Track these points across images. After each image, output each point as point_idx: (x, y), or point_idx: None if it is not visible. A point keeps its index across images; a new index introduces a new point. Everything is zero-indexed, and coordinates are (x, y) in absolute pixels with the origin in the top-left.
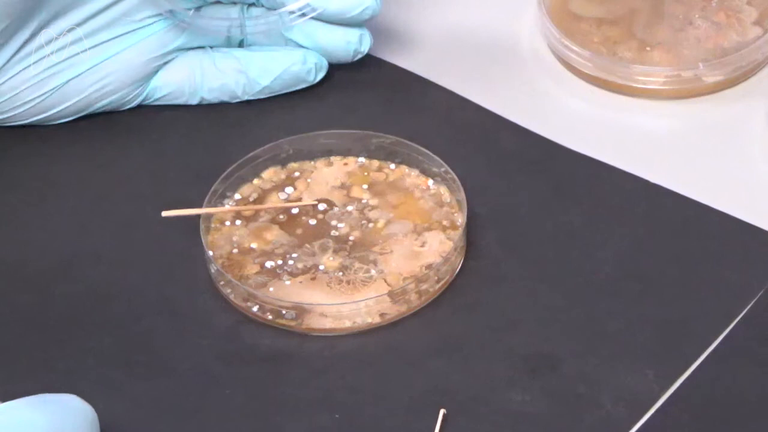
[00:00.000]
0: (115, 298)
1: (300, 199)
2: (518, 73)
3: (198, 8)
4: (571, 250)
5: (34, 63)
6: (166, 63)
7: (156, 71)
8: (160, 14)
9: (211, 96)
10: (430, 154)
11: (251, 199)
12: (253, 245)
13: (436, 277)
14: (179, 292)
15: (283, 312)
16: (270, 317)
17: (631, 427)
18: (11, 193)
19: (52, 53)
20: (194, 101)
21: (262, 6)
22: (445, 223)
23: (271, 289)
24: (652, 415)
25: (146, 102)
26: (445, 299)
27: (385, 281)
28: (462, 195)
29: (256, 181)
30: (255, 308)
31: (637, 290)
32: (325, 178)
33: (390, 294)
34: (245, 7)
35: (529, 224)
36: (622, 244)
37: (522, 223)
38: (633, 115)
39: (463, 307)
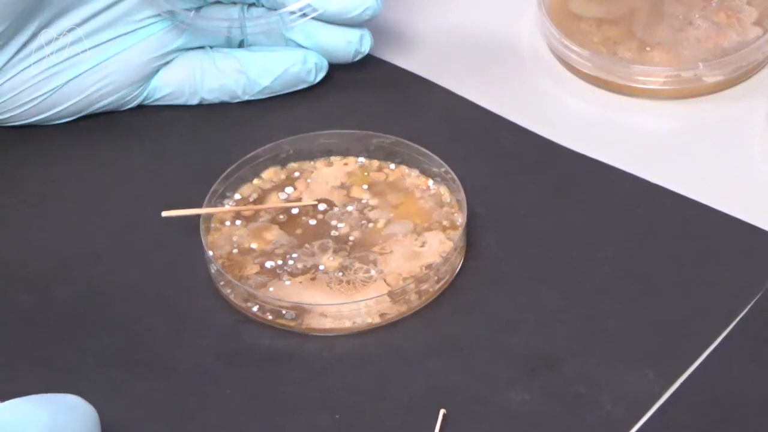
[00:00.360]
0: (115, 298)
1: (300, 199)
2: (518, 73)
3: (198, 8)
4: (571, 250)
5: (34, 63)
6: (166, 63)
7: (156, 71)
8: (160, 15)
9: (211, 96)
10: (430, 154)
11: (251, 199)
12: (253, 245)
13: (436, 277)
14: (179, 292)
15: (283, 312)
16: (270, 317)
17: (631, 427)
18: (11, 193)
19: (52, 53)
20: (194, 101)
21: (263, 6)
22: (445, 223)
23: (271, 289)
24: (652, 415)
25: (146, 102)
26: (445, 299)
27: (385, 281)
28: (462, 195)
29: (256, 181)
30: (255, 308)
31: (637, 290)
32: (325, 178)
33: (390, 294)
34: (245, 7)
35: (529, 224)
36: (622, 244)
37: (522, 223)
38: (633, 115)
39: (463, 307)
